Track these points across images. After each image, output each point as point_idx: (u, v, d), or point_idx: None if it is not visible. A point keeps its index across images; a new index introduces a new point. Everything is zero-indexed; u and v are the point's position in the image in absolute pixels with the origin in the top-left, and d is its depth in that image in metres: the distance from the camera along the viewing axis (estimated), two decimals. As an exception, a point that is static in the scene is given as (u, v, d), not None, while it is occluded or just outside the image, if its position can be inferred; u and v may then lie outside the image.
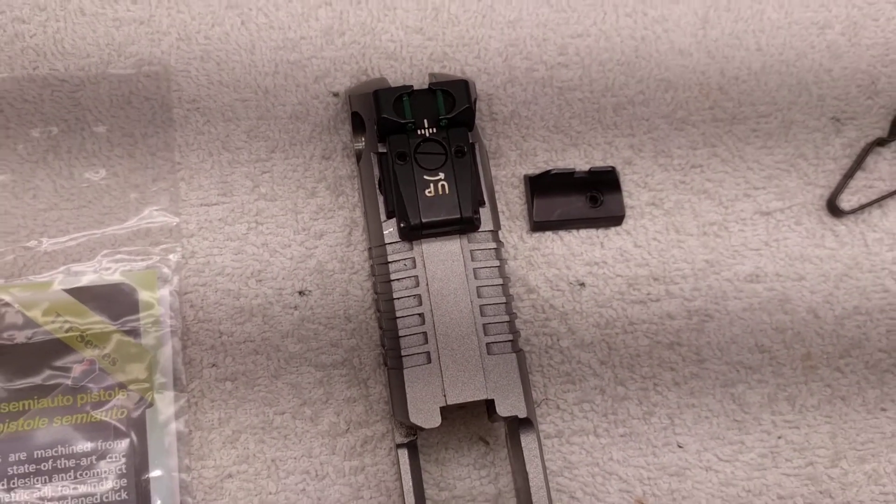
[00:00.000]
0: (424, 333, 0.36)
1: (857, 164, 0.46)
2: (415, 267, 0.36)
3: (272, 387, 0.40)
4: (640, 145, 0.45)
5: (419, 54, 0.45)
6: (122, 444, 0.37)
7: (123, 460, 0.37)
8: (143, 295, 0.39)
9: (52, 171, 0.41)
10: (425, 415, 0.35)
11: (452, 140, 0.37)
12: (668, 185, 0.44)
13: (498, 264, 0.37)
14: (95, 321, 0.38)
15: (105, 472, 0.37)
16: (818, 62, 0.47)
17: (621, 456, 0.41)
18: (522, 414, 0.35)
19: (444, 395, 0.35)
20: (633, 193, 0.44)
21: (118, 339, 0.38)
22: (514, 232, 0.43)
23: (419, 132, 0.37)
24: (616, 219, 0.43)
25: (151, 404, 0.38)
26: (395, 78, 0.44)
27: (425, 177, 0.36)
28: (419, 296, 0.36)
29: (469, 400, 0.35)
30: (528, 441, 0.36)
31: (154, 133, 0.41)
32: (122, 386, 0.38)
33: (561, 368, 0.42)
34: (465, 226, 0.36)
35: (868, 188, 0.46)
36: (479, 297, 0.36)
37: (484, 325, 0.36)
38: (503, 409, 0.35)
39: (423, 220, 0.36)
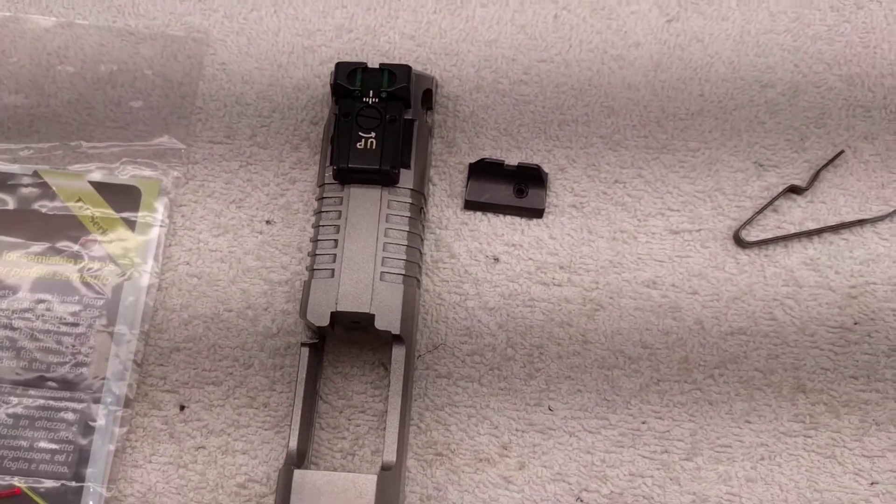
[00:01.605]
0: (334, 255, 0.45)
1: (770, 203, 0.51)
2: (341, 204, 0.46)
3: (228, 289, 0.50)
4: (575, 157, 0.52)
5: (407, 56, 0.55)
6: (101, 304, 0.48)
7: (98, 315, 0.48)
8: (146, 198, 0.50)
9: (107, 97, 0.53)
10: (319, 316, 0.44)
11: (388, 110, 0.46)
12: (592, 194, 0.52)
13: (409, 216, 0.46)
14: (106, 210, 0.50)
15: (83, 321, 0.47)
16: (754, 114, 0.53)
17: (497, 406, 0.48)
18: (395, 331, 0.44)
19: (336, 303, 0.44)
20: (560, 195, 0.52)
21: (119, 227, 0.49)
22: (451, 208, 0.52)
23: (364, 99, 0.46)
24: (537, 211, 0.51)
25: (130, 279, 0.48)
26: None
27: (360, 133, 0.46)
28: (338, 226, 0.45)
29: (355, 310, 0.44)
30: (396, 354, 0.44)
31: (187, 82, 0.53)
32: (112, 261, 0.49)
33: (463, 323, 0.50)
34: (384, 177, 0.45)
35: (777, 228, 0.51)
36: (385, 236, 0.45)
37: (383, 258, 0.45)
38: (380, 324, 0.44)
39: (350, 165, 0.45)
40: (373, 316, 0.44)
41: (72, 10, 0.55)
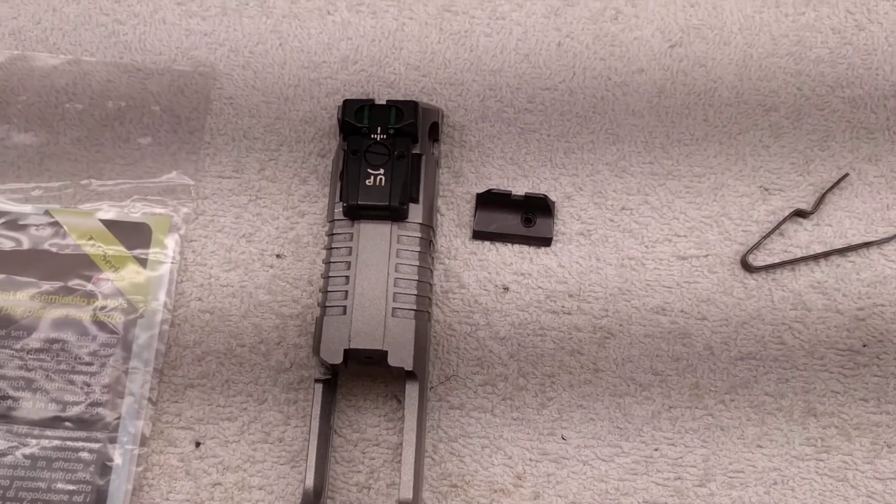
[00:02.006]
0: (345, 292, 0.45)
1: (776, 227, 0.52)
2: (351, 240, 0.46)
3: (240, 324, 0.50)
4: (581, 184, 0.53)
5: (413, 87, 0.55)
6: (115, 343, 0.48)
7: (112, 354, 0.48)
8: (157, 235, 0.50)
9: (116, 134, 0.54)
10: (332, 353, 0.44)
11: (396, 146, 0.47)
12: (599, 221, 0.52)
13: (419, 250, 0.46)
14: (117, 248, 0.50)
15: (97, 360, 0.48)
16: (759, 138, 0.54)
17: (511, 436, 0.49)
18: (408, 367, 0.44)
19: (349, 340, 0.44)
20: (567, 222, 0.52)
21: (130, 265, 0.50)
22: (459, 237, 0.52)
23: (372, 136, 0.47)
24: (545, 240, 0.51)
25: (142, 316, 0.49)
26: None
27: (369, 170, 0.46)
28: (349, 262, 0.46)
29: (368, 347, 0.44)
30: (410, 390, 0.44)
31: (194, 117, 0.54)
32: (124, 299, 0.49)
33: (474, 353, 0.50)
34: (393, 213, 0.46)
35: (784, 252, 0.52)
36: (396, 271, 0.46)
37: (394, 293, 0.45)
38: (393, 360, 0.44)
39: (360, 202, 0.45)
40: (385, 352, 0.44)
41: (79, 47, 0.55)
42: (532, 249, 0.52)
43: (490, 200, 0.51)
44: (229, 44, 0.56)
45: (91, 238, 0.50)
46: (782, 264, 0.51)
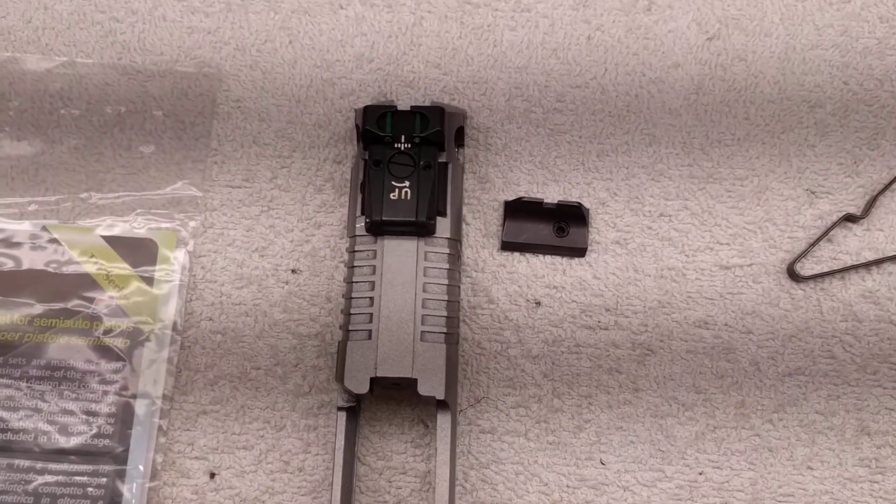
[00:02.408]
0: (370, 314, 0.42)
1: (824, 234, 0.48)
2: (374, 258, 0.43)
3: (254, 345, 0.47)
4: (616, 189, 0.49)
5: (433, 86, 0.51)
6: (120, 368, 0.45)
7: (118, 381, 0.45)
8: (163, 251, 0.47)
9: (115, 141, 0.50)
10: (357, 382, 0.41)
11: (422, 156, 0.43)
12: (636, 229, 0.49)
13: (447, 267, 0.43)
14: (120, 265, 0.46)
15: (102, 388, 0.45)
16: (804, 137, 0.50)
17: (546, 461, 0.46)
18: (440, 396, 0.41)
19: (376, 368, 0.41)
20: (602, 231, 0.49)
21: (135, 284, 0.46)
22: (487, 248, 0.49)
23: (395, 145, 0.43)
24: (579, 250, 0.48)
25: (150, 339, 0.45)
26: (409, 103, 0.50)
27: (393, 182, 0.42)
28: (373, 282, 0.42)
29: (396, 375, 0.41)
30: (441, 421, 0.41)
31: (200, 122, 0.50)
32: (130, 321, 0.46)
33: (505, 374, 0.47)
34: (420, 229, 0.42)
35: (833, 259, 0.49)
36: (424, 291, 0.42)
37: (423, 315, 0.42)
38: (424, 389, 0.41)
39: (384, 218, 0.42)
40: (415, 380, 0.41)
41: (73, 48, 0.52)
42: (565, 260, 0.48)
43: (519, 209, 0.48)
44: (235, 42, 0.52)
45: (92, 255, 0.47)
46: (831, 273, 0.48)
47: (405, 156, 0.43)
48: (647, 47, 0.52)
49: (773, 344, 0.47)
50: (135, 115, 0.50)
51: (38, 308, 0.46)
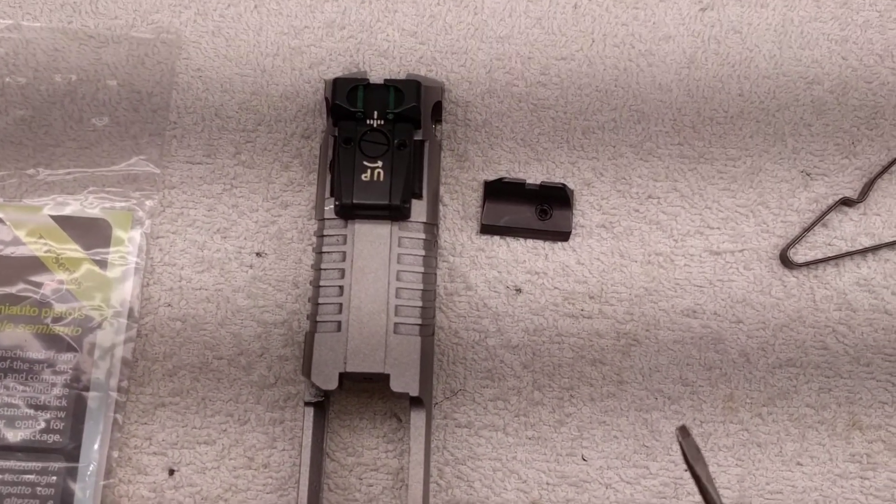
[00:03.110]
0: (339, 304, 0.39)
1: (819, 219, 0.46)
2: (344, 243, 0.40)
3: (216, 333, 0.44)
4: (602, 169, 0.47)
5: (409, 56, 0.48)
6: (71, 358, 0.42)
7: (70, 372, 0.42)
8: (117, 232, 0.44)
9: (66, 112, 0.46)
10: (325, 377, 0.38)
11: (396, 133, 0.40)
12: (623, 211, 0.46)
13: (423, 254, 0.40)
14: (71, 247, 0.43)
15: (52, 379, 0.42)
16: (799, 115, 0.48)
17: (525, 457, 0.43)
18: (414, 393, 0.38)
19: (345, 363, 0.38)
20: (586, 213, 0.46)
21: (87, 267, 0.43)
22: (465, 231, 0.46)
23: (367, 122, 0.40)
24: (563, 234, 0.45)
25: (103, 327, 0.42)
26: (382, 74, 0.47)
27: (365, 163, 0.39)
28: (342, 270, 0.39)
29: (366, 371, 0.38)
30: (415, 418, 0.38)
31: (158, 93, 0.46)
32: (81, 308, 0.42)
33: (483, 364, 0.44)
34: (393, 212, 0.39)
35: (827, 245, 0.46)
36: (397, 280, 0.39)
37: (396, 306, 0.39)
38: (396, 385, 0.38)
39: (355, 201, 0.39)
40: (387, 376, 0.38)
41: (19, 10, 0.48)
42: (548, 245, 0.46)
43: (500, 190, 0.45)
44: (196, 6, 0.48)
45: (40, 237, 0.43)
46: (826, 260, 0.46)
47: (378, 133, 0.40)
48: (636, 17, 0.49)
49: (764, 334, 0.45)
50: (87, 84, 0.46)
51: (-19, 293, 0.42)
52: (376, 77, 0.46)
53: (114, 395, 0.42)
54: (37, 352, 0.42)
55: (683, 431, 0.31)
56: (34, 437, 0.41)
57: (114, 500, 0.42)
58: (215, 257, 0.45)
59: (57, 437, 0.41)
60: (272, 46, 0.48)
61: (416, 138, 0.41)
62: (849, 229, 0.46)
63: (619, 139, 0.47)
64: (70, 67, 0.47)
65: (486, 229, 0.45)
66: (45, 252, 0.43)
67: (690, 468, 0.31)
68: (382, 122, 0.40)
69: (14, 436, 0.41)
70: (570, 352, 0.44)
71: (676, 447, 0.43)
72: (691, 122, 0.47)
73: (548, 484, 0.43)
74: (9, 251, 0.43)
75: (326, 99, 0.43)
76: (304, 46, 0.48)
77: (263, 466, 0.43)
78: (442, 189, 0.46)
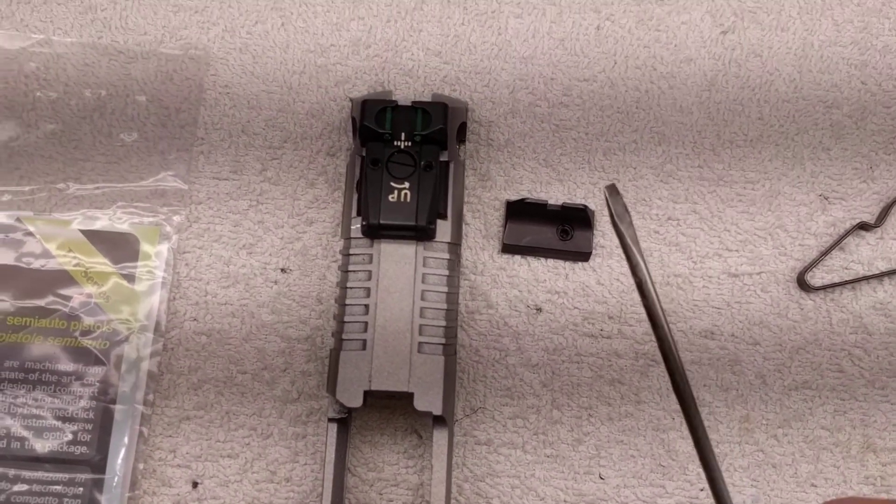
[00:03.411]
0: (365, 323, 0.40)
1: (836, 243, 0.47)
2: (370, 263, 0.40)
3: (241, 348, 0.45)
4: (623, 190, 0.47)
5: (433, 75, 0.49)
6: (99, 371, 0.43)
7: (97, 385, 0.42)
8: (145, 247, 0.44)
9: (95, 127, 0.47)
10: (350, 395, 0.39)
11: (423, 155, 0.40)
12: (643, 233, 0.47)
13: (447, 273, 0.41)
14: (100, 261, 0.44)
15: (79, 391, 0.42)
16: (818, 139, 0.48)
17: (543, 475, 0.44)
18: (437, 411, 0.39)
19: (370, 381, 0.39)
20: (607, 234, 0.47)
21: (115, 281, 0.44)
22: (486, 250, 0.46)
23: (395, 143, 0.41)
24: (583, 255, 0.46)
25: (130, 340, 0.43)
26: (407, 94, 0.48)
27: (392, 183, 0.40)
28: (368, 289, 0.40)
29: (391, 389, 0.39)
30: (438, 437, 0.39)
31: (186, 109, 0.47)
32: (109, 321, 0.43)
33: (503, 383, 0.45)
34: (419, 233, 0.40)
35: (844, 269, 0.47)
36: (422, 299, 0.40)
37: (420, 325, 0.40)
38: (420, 404, 0.39)
39: (381, 222, 0.40)
40: (411, 394, 0.39)
41: (50, 25, 0.48)
42: (568, 265, 0.46)
43: (522, 210, 0.45)
44: (224, 23, 0.49)
45: (70, 250, 0.44)
46: (842, 283, 0.46)
47: (405, 155, 0.40)
48: (658, 39, 0.49)
49: (780, 356, 0.45)
50: (116, 99, 0.47)
51: (11, 306, 0.43)
52: (401, 96, 0.47)
53: (140, 407, 0.43)
54: (65, 364, 0.43)
55: (611, 189, 0.30)
56: (62, 448, 0.42)
57: (139, 511, 0.42)
58: (241, 273, 0.46)
59: (84, 449, 0.42)
60: (298, 64, 0.49)
61: (441, 159, 0.42)
62: (865, 253, 0.47)
63: (639, 161, 0.48)
64: (100, 82, 0.47)
65: (508, 248, 0.46)
66: (74, 266, 0.44)
67: (616, 227, 0.30)
68: (410, 144, 0.41)
69: (42, 447, 0.42)
70: (589, 371, 0.45)
71: (693, 467, 0.44)
72: (711, 144, 0.48)
73: (565, 502, 0.44)
74: (38, 264, 0.44)
75: (353, 118, 0.43)
76: (329, 64, 0.49)
77: (286, 480, 0.43)
78: (465, 208, 0.47)
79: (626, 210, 0.31)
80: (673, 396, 0.44)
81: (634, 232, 0.31)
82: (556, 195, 0.47)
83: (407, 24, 0.49)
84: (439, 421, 0.39)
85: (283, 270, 0.46)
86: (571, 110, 0.48)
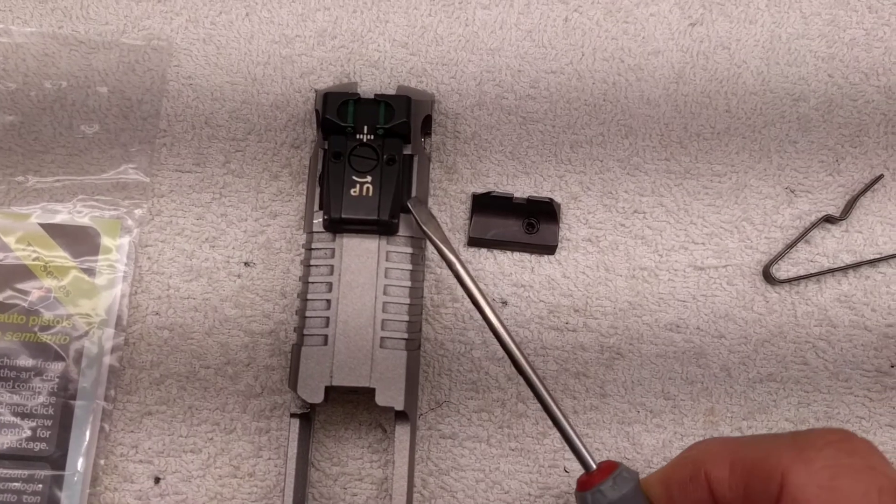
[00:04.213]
0: (327, 318, 0.39)
1: (802, 235, 0.47)
2: (332, 257, 0.40)
3: (204, 342, 0.44)
4: (590, 183, 0.47)
5: (400, 67, 0.48)
6: (59, 367, 0.42)
7: (56, 381, 0.42)
8: (106, 240, 0.44)
9: (55, 119, 0.46)
10: (311, 390, 0.39)
11: (386, 148, 0.40)
12: (608, 226, 0.47)
13: (410, 268, 0.41)
14: (59, 255, 0.43)
15: (38, 387, 0.42)
16: (785, 132, 0.48)
17: (509, 468, 0.44)
18: (399, 407, 0.39)
19: (331, 376, 0.39)
20: (573, 227, 0.47)
21: (75, 275, 0.43)
22: (453, 244, 0.46)
23: (357, 136, 0.40)
24: (549, 248, 0.46)
25: (90, 335, 0.43)
26: (373, 85, 0.48)
27: (354, 177, 0.40)
28: (330, 283, 0.40)
29: (352, 385, 0.39)
30: (400, 432, 0.39)
31: (148, 101, 0.46)
32: (69, 316, 0.43)
33: (468, 376, 0.45)
34: (382, 227, 0.40)
35: (810, 262, 0.47)
36: (384, 294, 0.40)
37: (383, 320, 0.39)
38: (382, 399, 0.39)
39: (343, 216, 0.39)
40: (373, 390, 0.39)
41: (9, 14, 0.48)
42: (534, 258, 0.46)
43: (488, 204, 0.45)
44: (187, 13, 0.48)
45: (29, 244, 0.43)
46: (807, 276, 0.46)
47: (368, 148, 0.40)
48: (626, 31, 0.49)
49: (746, 349, 0.46)
50: (77, 90, 0.46)
51: (-31, 301, 0.42)
52: (366, 88, 0.47)
53: (101, 403, 0.42)
54: (24, 360, 0.42)
55: (414, 202, 0.34)
56: (20, 444, 0.41)
57: (100, 508, 0.42)
58: (203, 266, 0.45)
59: (43, 446, 0.41)
60: (263, 55, 0.48)
61: (405, 153, 0.41)
62: (831, 246, 0.47)
63: (606, 153, 0.47)
64: (60, 73, 0.47)
65: (474, 242, 0.46)
66: (33, 260, 0.43)
67: (424, 232, 0.35)
68: (372, 137, 0.40)
69: (0, 444, 0.41)
70: (555, 364, 0.45)
71: (657, 460, 0.44)
72: (678, 137, 0.48)
73: (530, 495, 0.44)
74: (-3, 258, 0.43)
75: (317, 111, 0.43)
76: (294, 55, 0.48)
77: (249, 475, 0.43)
78: (430, 200, 0.46)
79: (432, 216, 0.35)
80: (638, 388, 0.45)
81: (443, 233, 0.35)
82: (522, 188, 0.47)
83: (373, 14, 0.49)
84: (401, 416, 0.39)
85: (246, 264, 0.45)
86: (538, 102, 0.48)
